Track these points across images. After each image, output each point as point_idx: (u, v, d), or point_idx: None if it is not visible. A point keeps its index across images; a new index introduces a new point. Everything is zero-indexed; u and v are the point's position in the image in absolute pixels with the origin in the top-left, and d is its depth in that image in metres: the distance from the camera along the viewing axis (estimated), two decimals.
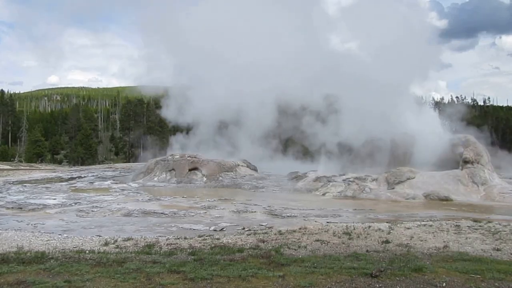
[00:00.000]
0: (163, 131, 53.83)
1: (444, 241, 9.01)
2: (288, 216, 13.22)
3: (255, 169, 25.90)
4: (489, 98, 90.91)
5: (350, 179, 19.76)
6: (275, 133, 32.53)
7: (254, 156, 28.70)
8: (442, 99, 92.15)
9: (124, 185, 22.05)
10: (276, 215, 13.49)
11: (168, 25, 33.06)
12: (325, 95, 29.10)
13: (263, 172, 25.79)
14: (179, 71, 33.71)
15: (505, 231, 10.18)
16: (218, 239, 9.31)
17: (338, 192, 18.79)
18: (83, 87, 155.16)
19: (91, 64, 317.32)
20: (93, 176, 27.55)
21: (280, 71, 29.02)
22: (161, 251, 7.91)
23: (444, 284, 5.72)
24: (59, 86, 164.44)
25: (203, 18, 30.98)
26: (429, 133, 21.70)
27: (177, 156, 24.81)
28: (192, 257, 7.32)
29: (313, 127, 29.03)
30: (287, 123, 31.24)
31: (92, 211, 13.95)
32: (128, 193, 19.00)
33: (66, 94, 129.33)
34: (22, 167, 36.36)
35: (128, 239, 9.32)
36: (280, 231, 10.10)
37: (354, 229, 10.29)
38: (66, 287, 5.47)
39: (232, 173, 23.95)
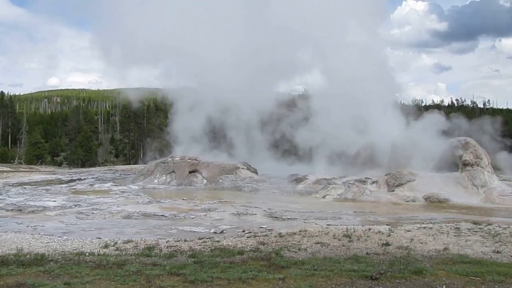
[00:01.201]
0: (163, 133, 53.84)
1: (444, 244, 9.01)
2: (288, 218, 13.22)
3: (255, 172, 25.88)
4: (489, 100, 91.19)
5: (350, 182, 19.75)
6: (270, 134, 32.43)
7: (253, 158, 28.76)
8: (442, 101, 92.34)
9: (124, 187, 22.04)
10: (276, 217, 13.49)
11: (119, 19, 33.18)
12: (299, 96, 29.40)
13: (263, 175, 25.78)
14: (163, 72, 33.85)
15: (505, 233, 10.19)
16: (218, 241, 9.31)
17: (338, 195, 18.79)
18: (83, 89, 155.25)
19: (91, 66, 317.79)
20: (93, 178, 27.56)
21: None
22: (161, 254, 7.91)
23: (444, 286, 5.72)
24: (59, 88, 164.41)
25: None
26: (428, 136, 21.75)
27: (177, 158, 24.80)
28: (192, 259, 7.32)
29: (294, 129, 29.21)
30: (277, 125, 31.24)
31: (92, 213, 13.94)
32: (128, 195, 18.99)
33: (66, 96, 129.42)
34: (22, 169, 36.39)
35: (128, 241, 9.31)
36: (280, 233, 10.10)
37: (354, 231, 10.29)
38: None
39: (232, 175, 23.92)
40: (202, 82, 29.71)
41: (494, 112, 79.17)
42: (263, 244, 8.87)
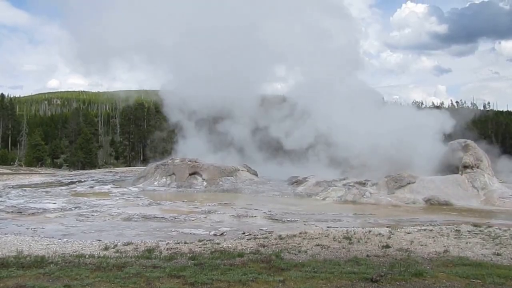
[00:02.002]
0: (163, 135, 53.84)
1: (445, 246, 9.01)
2: (288, 220, 13.21)
3: (255, 174, 25.85)
4: (489, 103, 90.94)
5: (351, 184, 19.75)
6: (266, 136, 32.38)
7: (253, 160, 28.75)
8: (442, 103, 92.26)
9: (124, 189, 22.01)
10: (276, 219, 13.47)
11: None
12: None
13: (263, 177, 25.77)
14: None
15: (505, 236, 10.19)
16: (218, 243, 9.30)
17: (339, 197, 18.79)
18: (83, 91, 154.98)
19: (91, 68, 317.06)
20: (93, 180, 27.53)
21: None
22: (161, 256, 7.90)
23: None
24: (59, 90, 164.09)
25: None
26: (429, 138, 21.77)
27: (177, 161, 24.79)
28: (192, 261, 7.31)
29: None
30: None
31: (92, 215, 13.94)
32: (128, 197, 18.97)
33: (66, 98, 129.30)
34: (22, 171, 36.36)
35: (128, 243, 9.31)
36: (280, 235, 10.10)
37: (354, 233, 10.30)
38: None
39: (232, 177, 23.90)
40: (190, 84, 29.87)
41: (494, 114, 79.25)
42: (263, 246, 8.87)
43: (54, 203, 16.51)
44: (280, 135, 28.05)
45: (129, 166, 48.86)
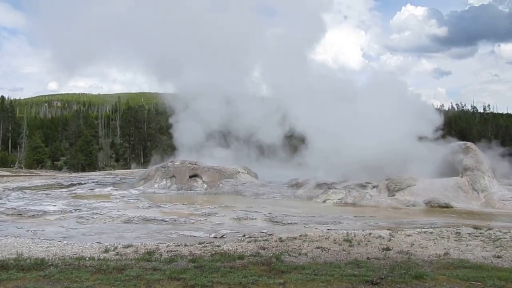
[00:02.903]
0: (163, 138, 53.89)
1: (445, 248, 9.00)
2: (288, 223, 13.20)
3: (255, 176, 25.87)
4: (489, 105, 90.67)
5: (351, 186, 19.75)
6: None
7: (253, 162, 28.75)
8: (442, 106, 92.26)
9: (124, 191, 22.02)
10: (276, 222, 13.47)
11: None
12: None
13: (263, 179, 25.77)
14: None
15: (505, 238, 10.18)
16: (218, 246, 9.30)
17: (339, 199, 18.77)
18: (84, 93, 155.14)
19: (91, 70, 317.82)
20: (93, 182, 27.53)
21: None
22: (162, 258, 7.89)
23: None
24: (59, 92, 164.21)
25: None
26: (429, 140, 21.75)
27: (177, 163, 24.80)
28: (193, 264, 7.30)
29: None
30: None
31: (92, 217, 13.93)
32: (128, 199, 18.97)
33: (66, 100, 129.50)
34: (22, 174, 36.32)
35: (128, 246, 9.30)
36: (280, 238, 10.09)
37: (354, 236, 10.29)
38: None
39: (232, 180, 23.89)
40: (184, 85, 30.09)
41: (494, 117, 79.35)
42: (264, 249, 8.86)
43: (54, 205, 16.51)
44: (259, 132, 28.42)
45: (129, 169, 48.89)
